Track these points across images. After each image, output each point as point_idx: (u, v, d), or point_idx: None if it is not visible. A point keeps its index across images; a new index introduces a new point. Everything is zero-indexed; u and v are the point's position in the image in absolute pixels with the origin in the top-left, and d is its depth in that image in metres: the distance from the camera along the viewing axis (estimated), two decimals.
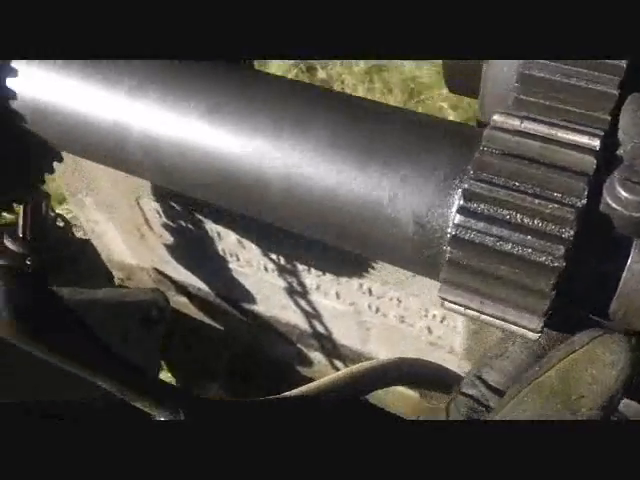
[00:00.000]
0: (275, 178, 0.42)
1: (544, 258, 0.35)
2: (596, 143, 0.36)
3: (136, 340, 1.04)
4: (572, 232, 0.34)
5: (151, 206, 0.84)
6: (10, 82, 0.48)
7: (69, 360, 0.47)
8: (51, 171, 0.64)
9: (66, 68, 0.47)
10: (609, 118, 0.40)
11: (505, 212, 0.35)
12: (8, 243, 0.88)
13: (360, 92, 2.56)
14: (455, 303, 0.40)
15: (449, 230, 0.37)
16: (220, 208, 0.77)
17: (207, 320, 1.09)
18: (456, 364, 0.80)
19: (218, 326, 1.10)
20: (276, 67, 2.58)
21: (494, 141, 0.36)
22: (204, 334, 1.11)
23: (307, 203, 0.41)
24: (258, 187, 0.43)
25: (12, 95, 0.48)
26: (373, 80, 2.56)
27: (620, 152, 0.37)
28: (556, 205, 0.34)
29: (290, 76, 2.59)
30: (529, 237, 0.35)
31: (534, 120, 0.37)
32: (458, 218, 0.36)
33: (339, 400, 0.78)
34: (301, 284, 0.85)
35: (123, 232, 0.95)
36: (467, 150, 0.37)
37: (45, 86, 0.47)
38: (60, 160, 0.64)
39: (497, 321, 0.39)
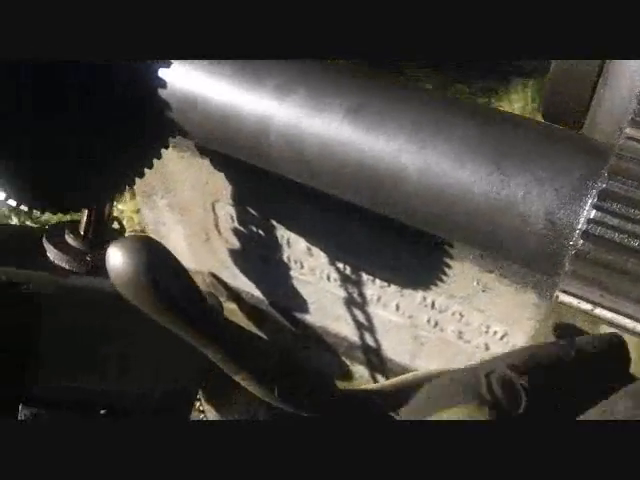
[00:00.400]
0: (412, 174, 0.46)
1: None
2: None
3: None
4: None
5: (226, 210, 0.89)
6: (161, 72, 0.53)
7: (198, 334, 0.51)
8: (151, 166, 0.69)
9: (217, 62, 0.52)
10: None
11: (638, 212, 0.40)
12: (70, 239, 0.92)
13: None
14: (574, 295, 0.44)
15: (580, 226, 0.42)
16: (297, 215, 0.82)
17: (253, 328, 1.13)
18: None
19: (262, 334, 1.13)
20: None
21: (628, 149, 0.41)
22: (244, 339, 1.15)
23: (441, 198, 0.46)
24: (394, 182, 0.47)
25: (162, 84, 0.53)
26: None
27: None
28: None
29: None
30: None
31: None
32: (593, 214, 0.40)
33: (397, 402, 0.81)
34: (361, 295, 0.89)
35: (189, 235, 0.99)
36: (600, 157, 0.42)
37: (196, 78, 0.52)
38: (160, 157, 0.69)
39: (611, 314, 0.43)
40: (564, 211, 0.42)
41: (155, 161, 0.72)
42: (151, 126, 0.56)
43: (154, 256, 0.49)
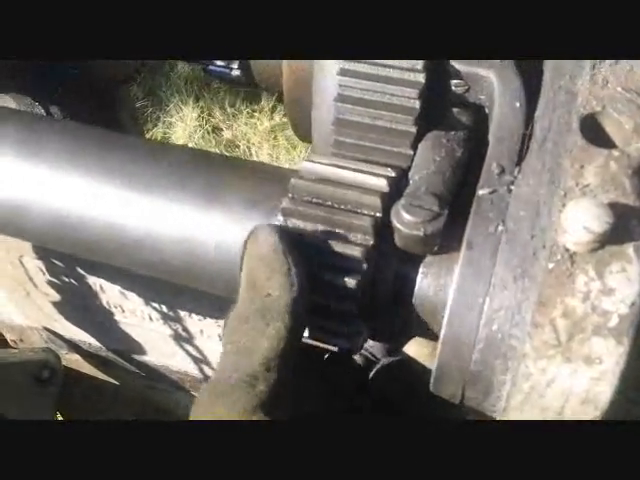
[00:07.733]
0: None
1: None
2: (383, 183, 0.44)
3: (30, 402, 1.03)
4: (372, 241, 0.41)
5: (34, 264, 0.86)
6: None
7: None
8: None
9: None
10: (411, 153, 0.47)
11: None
12: None
13: (265, 149, 2.64)
14: None
15: None
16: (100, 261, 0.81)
17: (101, 375, 1.10)
18: None
19: (112, 380, 1.11)
20: (182, 129, 2.64)
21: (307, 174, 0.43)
22: (99, 390, 1.12)
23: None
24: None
25: None
26: (277, 137, 2.67)
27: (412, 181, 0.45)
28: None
29: (196, 137, 2.64)
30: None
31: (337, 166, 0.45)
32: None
33: None
34: (185, 330, 0.88)
35: (9, 291, 0.96)
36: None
37: None
38: None
39: None
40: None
41: None
42: None
43: None
